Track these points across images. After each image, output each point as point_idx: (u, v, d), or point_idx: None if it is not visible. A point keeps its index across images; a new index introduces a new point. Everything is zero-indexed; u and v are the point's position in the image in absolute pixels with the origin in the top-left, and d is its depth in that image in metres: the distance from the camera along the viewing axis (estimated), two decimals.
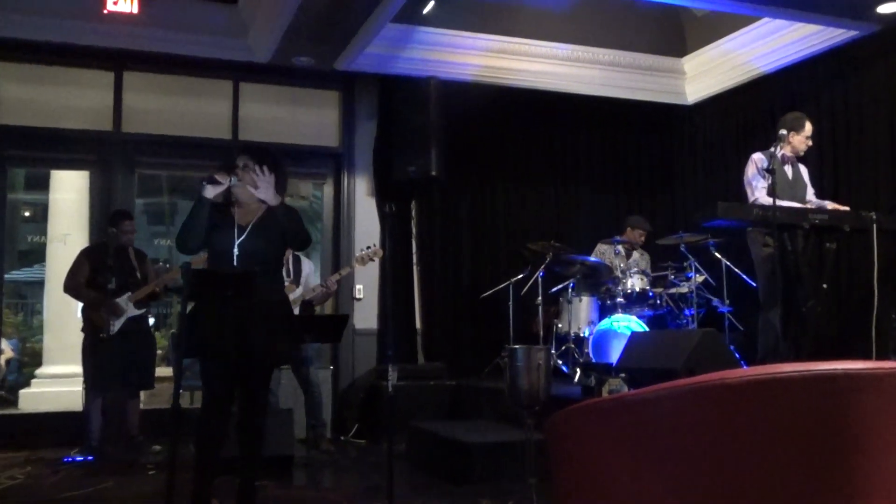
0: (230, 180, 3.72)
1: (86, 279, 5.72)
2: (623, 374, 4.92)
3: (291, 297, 5.69)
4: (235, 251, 3.71)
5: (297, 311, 5.83)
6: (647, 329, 6.44)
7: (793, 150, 5.53)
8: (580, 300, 6.68)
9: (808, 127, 5.50)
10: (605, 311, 6.69)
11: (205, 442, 3.69)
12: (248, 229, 3.77)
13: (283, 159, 3.93)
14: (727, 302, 6.48)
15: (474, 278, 7.58)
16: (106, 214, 6.40)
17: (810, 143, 5.56)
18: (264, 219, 3.82)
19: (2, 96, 6.67)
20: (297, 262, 6.15)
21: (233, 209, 3.82)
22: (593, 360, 6.29)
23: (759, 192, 5.34)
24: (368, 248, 5.90)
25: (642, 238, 7.26)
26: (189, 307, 3.60)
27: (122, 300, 5.67)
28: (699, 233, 6.57)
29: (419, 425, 5.65)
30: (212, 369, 3.69)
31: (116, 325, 5.63)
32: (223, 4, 6.76)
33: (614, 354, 5.96)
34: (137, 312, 5.78)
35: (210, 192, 3.69)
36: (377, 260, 5.97)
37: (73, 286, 5.77)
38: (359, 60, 6.85)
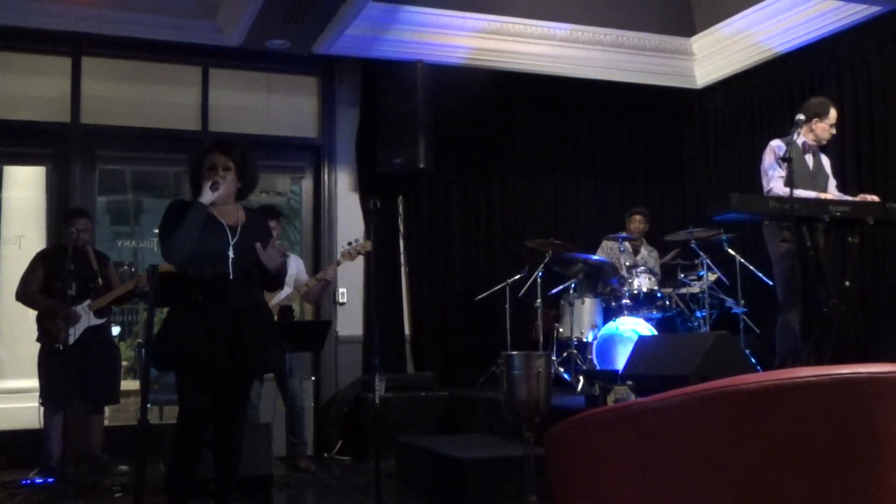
0: (221, 186, 3.73)
1: (40, 285, 5.69)
2: (630, 382, 4.94)
3: (275, 300, 5.68)
4: (231, 253, 3.71)
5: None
6: (656, 333, 6.45)
7: (815, 139, 5.50)
8: (582, 302, 6.69)
9: (833, 114, 5.47)
10: (609, 314, 6.70)
11: (180, 463, 3.67)
12: (239, 230, 3.79)
13: (253, 153, 3.95)
14: (742, 302, 6.50)
15: (467, 280, 7.57)
16: (64, 213, 6.37)
17: (834, 131, 5.53)
18: (249, 220, 3.85)
19: None
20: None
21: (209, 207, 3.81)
22: (597, 367, 6.31)
23: (774, 181, 5.33)
24: (357, 240, 5.85)
25: (643, 224, 7.29)
26: (159, 314, 3.59)
27: (81, 308, 5.64)
28: (711, 227, 6.60)
29: (409, 440, 5.65)
30: (193, 383, 3.64)
31: (73, 336, 5.59)
32: None
33: (620, 361, 5.98)
34: (98, 321, 5.75)
35: (211, 198, 3.70)
36: (363, 254, 5.94)
37: (25, 293, 5.73)
38: (339, 43, 6.84)
